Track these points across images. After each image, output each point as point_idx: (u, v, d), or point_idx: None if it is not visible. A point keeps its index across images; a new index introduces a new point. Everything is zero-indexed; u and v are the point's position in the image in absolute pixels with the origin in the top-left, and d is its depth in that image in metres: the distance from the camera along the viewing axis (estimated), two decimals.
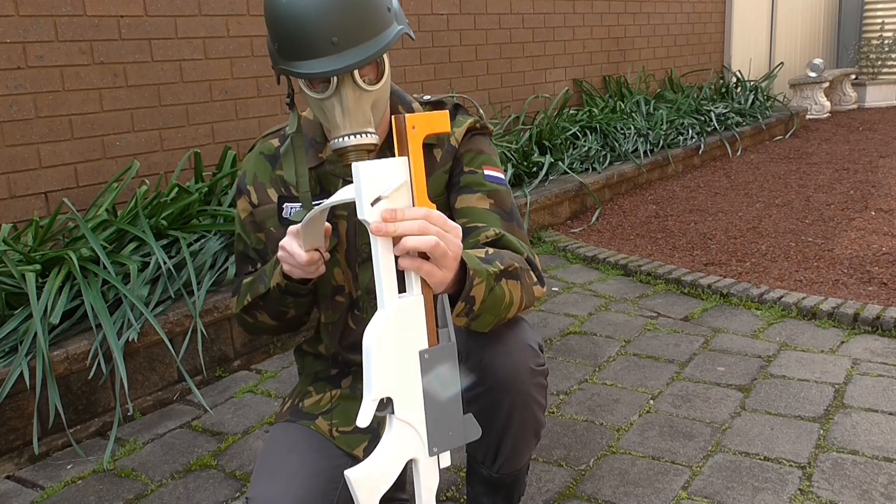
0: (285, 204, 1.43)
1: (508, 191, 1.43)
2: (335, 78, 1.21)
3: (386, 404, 0.95)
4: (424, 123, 0.96)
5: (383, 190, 0.93)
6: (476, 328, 1.20)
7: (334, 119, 1.23)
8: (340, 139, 1.21)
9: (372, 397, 0.92)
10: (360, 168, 0.92)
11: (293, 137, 1.37)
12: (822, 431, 2.08)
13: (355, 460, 1.39)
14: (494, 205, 1.38)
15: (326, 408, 1.44)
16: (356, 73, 1.22)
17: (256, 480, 1.32)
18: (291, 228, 1.22)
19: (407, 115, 0.96)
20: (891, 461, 1.92)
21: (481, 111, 1.51)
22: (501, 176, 1.43)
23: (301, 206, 1.39)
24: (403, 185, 0.95)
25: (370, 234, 0.94)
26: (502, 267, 1.19)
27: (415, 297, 0.97)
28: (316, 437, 1.40)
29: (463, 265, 1.09)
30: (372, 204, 0.93)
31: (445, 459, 1.01)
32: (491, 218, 1.36)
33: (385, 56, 1.28)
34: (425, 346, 0.97)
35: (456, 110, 1.46)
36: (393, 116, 0.97)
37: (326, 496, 1.32)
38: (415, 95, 1.48)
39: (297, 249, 1.21)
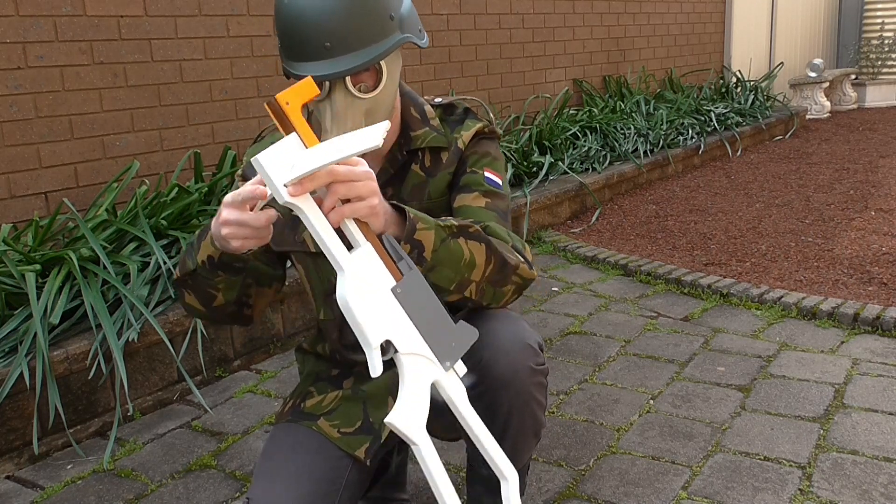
0: None
1: (506, 195, 1.43)
2: (328, 82, 1.22)
3: (387, 348, 1.01)
4: (295, 96, 1.02)
5: (293, 171, 0.98)
6: (436, 281, 1.20)
7: (324, 123, 1.24)
8: None
9: (373, 347, 0.98)
10: (259, 159, 0.96)
11: None
12: (822, 431, 2.08)
13: (357, 462, 1.39)
14: (490, 204, 1.39)
15: (328, 408, 1.44)
16: (348, 80, 1.22)
17: (257, 482, 1.32)
18: (226, 199, 1.10)
19: (276, 95, 0.99)
20: (891, 461, 1.92)
21: (491, 115, 1.50)
22: (500, 181, 1.43)
23: None
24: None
25: (300, 213, 0.98)
26: (457, 224, 1.21)
27: (363, 247, 1.03)
28: (317, 438, 1.40)
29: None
30: (286, 185, 0.98)
31: (461, 368, 1.08)
32: (485, 216, 1.36)
33: (384, 64, 1.26)
34: (393, 283, 1.03)
35: (465, 114, 1.46)
36: (266, 103, 0.99)
37: (328, 498, 1.32)
38: (426, 97, 1.48)
39: (248, 215, 1.09)
